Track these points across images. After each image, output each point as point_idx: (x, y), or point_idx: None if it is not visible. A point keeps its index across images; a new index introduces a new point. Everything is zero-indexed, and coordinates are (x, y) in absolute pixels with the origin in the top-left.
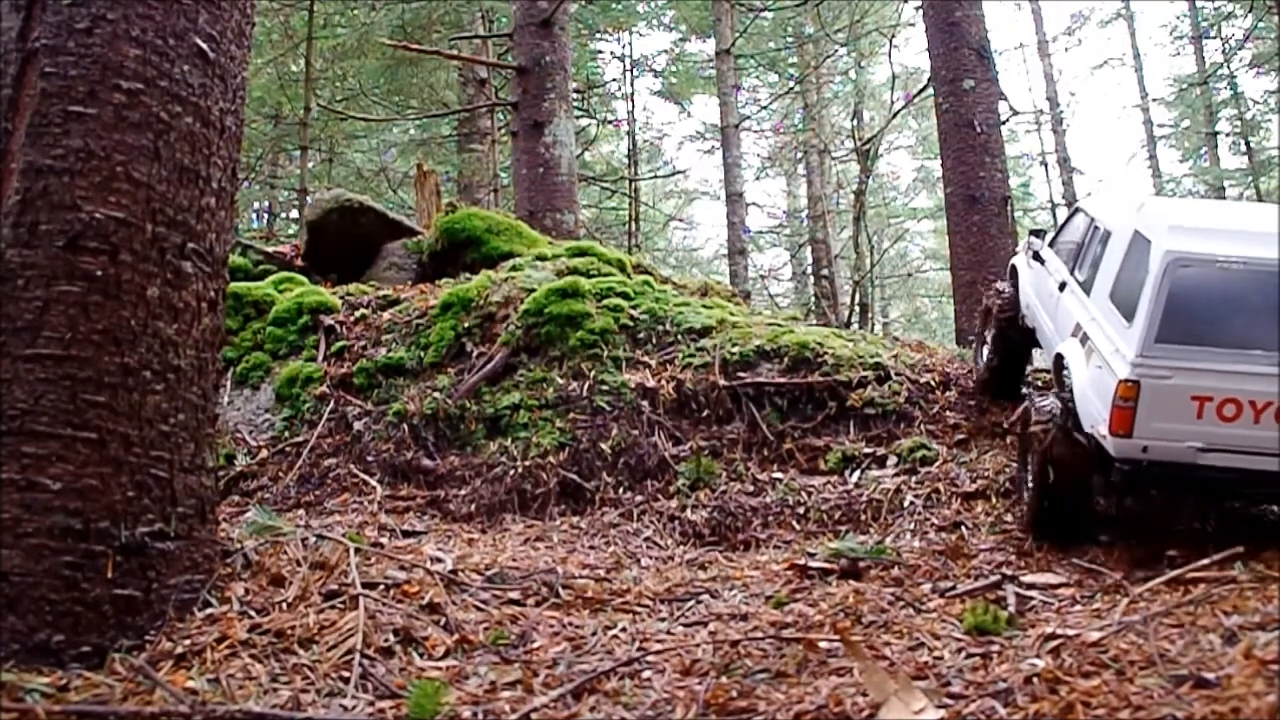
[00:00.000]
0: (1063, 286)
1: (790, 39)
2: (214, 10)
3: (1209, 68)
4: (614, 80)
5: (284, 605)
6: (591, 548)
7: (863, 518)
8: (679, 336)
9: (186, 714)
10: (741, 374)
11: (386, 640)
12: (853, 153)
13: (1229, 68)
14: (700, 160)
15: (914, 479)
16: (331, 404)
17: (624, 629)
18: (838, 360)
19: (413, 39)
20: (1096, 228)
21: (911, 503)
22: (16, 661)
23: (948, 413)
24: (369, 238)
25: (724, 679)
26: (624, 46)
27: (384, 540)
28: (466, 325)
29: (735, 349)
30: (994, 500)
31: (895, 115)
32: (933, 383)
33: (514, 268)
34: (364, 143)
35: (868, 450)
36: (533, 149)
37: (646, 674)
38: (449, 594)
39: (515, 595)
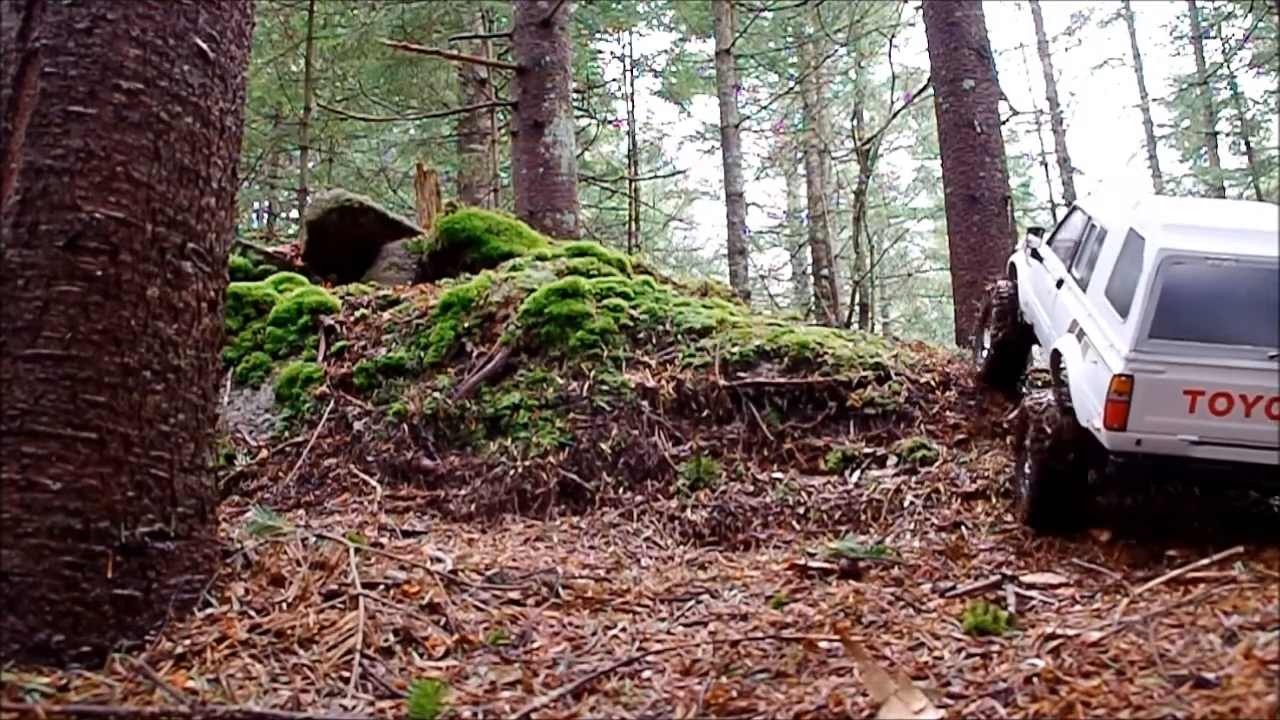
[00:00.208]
0: (1060, 284)
1: (790, 39)
2: (214, 10)
3: (1209, 68)
4: (614, 80)
5: (284, 605)
6: (591, 548)
7: (863, 518)
8: (679, 336)
9: (186, 714)
10: (741, 374)
11: (386, 640)
12: (853, 153)
13: (1229, 68)
14: (700, 160)
15: (914, 479)
16: (331, 404)
17: (624, 629)
18: (838, 360)
19: (413, 39)
20: (1093, 226)
21: (911, 503)
22: (16, 661)
23: (948, 413)
24: (369, 238)
25: (724, 679)
26: (624, 46)
27: (384, 540)
28: (466, 325)
29: (735, 349)
30: (994, 500)
31: (895, 115)
32: (933, 383)
33: (514, 268)
34: (364, 143)
35: (868, 450)
36: (533, 149)
37: (646, 674)
38: (449, 594)
39: (515, 595)
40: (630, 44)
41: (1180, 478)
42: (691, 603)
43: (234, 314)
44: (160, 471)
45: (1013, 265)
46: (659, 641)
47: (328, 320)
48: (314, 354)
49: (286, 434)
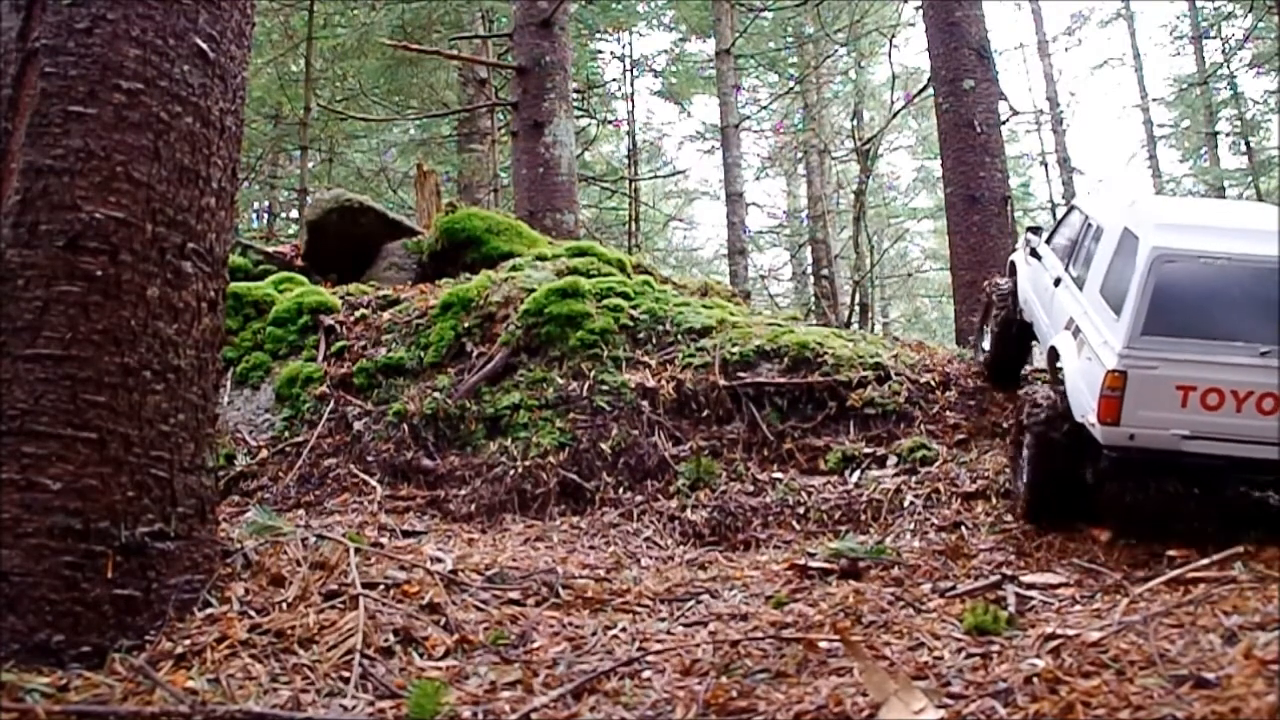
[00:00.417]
0: (1058, 282)
1: (790, 39)
2: (214, 10)
3: (1209, 68)
4: (614, 80)
5: (284, 605)
6: (591, 548)
7: (863, 518)
8: (679, 336)
9: (186, 714)
10: (741, 374)
11: (386, 640)
12: (853, 153)
13: (1229, 68)
14: (700, 160)
15: (914, 479)
16: (331, 404)
17: (624, 629)
18: (838, 360)
19: (413, 39)
20: (1090, 225)
21: (911, 503)
22: (16, 661)
23: (948, 413)
24: (369, 238)
25: (724, 679)
26: (624, 46)
27: (384, 540)
28: (466, 325)
29: (735, 349)
30: (994, 500)
31: (895, 115)
32: (933, 383)
33: (514, 268)
34: (364, 143)
35: (868, 450)
36: (533, 149)
37: (646, 674)
38: (449, 594)
39: (515, 595)
40: (630, 44)
41: (1173, 472)
42: (691, 603)
43: (234, 314)
44: (160, 471)
45: (1012, 264)
46: (659, 641)
47: (328, 320)
48: (314, 354)
49: (286, 434)
